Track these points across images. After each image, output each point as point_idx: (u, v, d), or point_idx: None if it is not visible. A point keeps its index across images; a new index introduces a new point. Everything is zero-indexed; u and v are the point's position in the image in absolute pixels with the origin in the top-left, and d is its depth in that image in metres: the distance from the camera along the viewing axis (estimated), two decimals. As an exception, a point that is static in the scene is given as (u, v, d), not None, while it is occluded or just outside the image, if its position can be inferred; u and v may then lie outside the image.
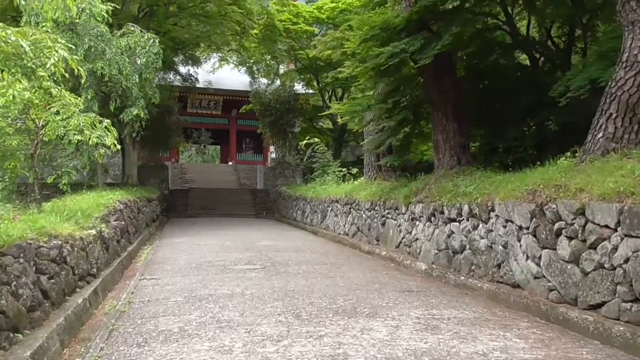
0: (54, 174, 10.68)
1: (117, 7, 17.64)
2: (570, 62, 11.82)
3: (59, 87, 9.29)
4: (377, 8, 10.36)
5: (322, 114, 27.41)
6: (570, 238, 6.17)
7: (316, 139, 22.99)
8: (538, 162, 8.43)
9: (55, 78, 8.74)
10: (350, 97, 22.17)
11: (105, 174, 24.32)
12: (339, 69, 15.21)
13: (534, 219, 6.85)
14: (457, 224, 9.05)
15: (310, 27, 27.80)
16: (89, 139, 9.27)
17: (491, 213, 8.04)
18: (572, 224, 6.15)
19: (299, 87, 31.57)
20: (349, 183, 18.10)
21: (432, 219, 9.98)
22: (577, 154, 7.52)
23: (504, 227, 7.64)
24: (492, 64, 12.27)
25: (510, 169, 9.80)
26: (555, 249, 6.44)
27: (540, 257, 6.71)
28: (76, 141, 9.89)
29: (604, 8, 11.67)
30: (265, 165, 34.62)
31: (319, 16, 27.78)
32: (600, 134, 7.02)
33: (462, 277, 8.40)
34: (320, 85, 29.87)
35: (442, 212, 9.57)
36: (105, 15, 14.96)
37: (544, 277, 6.61)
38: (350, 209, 15.10)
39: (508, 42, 11.72)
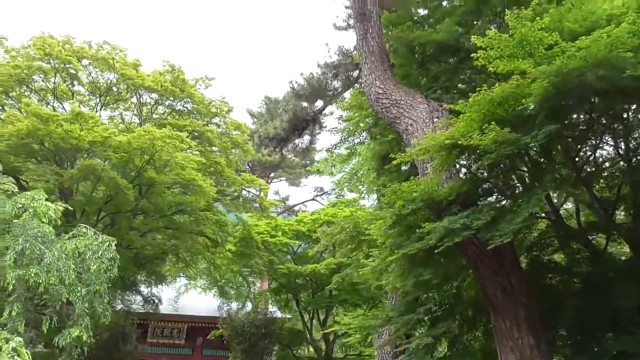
0: None
1: (70, 209, 14.93)
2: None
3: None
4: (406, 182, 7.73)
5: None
6: None
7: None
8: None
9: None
10: (335, 319, 19.20)
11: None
12: (356, 264, 12.00)
13: None
14: None
15: (291, 240, 25.38)
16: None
17: None
18: None
19: (273, 310, 28.08)
20: None
21: None
22: None
23: None
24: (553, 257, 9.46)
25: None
26: None
27: None
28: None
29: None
30: (235, 402, 29.33)
31: (299, 229, 25.66)
32: None
33: None
34: (300, 306, 26.63)
35: None
36: (53, 215, 12.22)
37: None
38: None
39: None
